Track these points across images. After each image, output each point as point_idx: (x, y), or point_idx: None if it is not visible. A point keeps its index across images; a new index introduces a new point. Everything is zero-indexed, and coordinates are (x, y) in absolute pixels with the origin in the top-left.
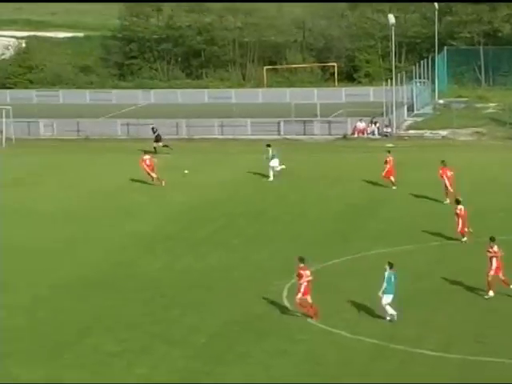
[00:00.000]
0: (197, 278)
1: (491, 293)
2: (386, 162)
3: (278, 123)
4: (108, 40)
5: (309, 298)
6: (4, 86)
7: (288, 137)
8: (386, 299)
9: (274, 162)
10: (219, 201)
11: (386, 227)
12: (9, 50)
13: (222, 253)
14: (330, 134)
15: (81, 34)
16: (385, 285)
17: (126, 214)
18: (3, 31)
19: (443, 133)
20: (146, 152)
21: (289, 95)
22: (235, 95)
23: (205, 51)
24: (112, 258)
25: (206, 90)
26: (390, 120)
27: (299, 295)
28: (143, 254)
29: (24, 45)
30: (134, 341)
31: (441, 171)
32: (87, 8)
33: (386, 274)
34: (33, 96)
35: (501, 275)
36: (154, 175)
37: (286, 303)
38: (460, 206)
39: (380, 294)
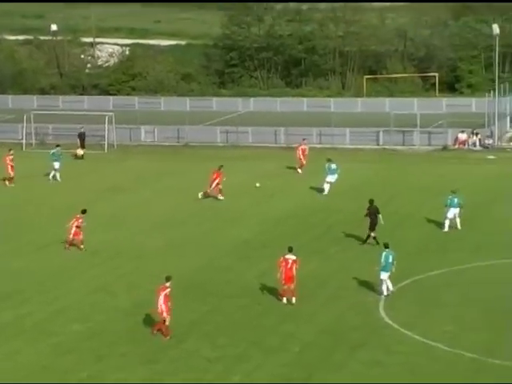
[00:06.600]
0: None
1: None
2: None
3: (377, 133)
4: (209, 48)
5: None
6: (107, 93)
7: (387, 147)
8: (383, 276)
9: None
10: (316, 209)
11: (485, 239)
12: (113, 57)
13: (318, 261)
14: (429, 145)
15: (183, 42)
16: (381, 263)
17: (223, 220)
18: (107, 39)
19: None
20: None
21: (388, 105)
22: (334, 104)
23: (305, 60)
24: (210, 263)
25: (305, 99)
26: (491, 131)
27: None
28: (241, 260)
29: (127, 52)
30: (231, 347)
31: None
32: (190, 16)
33: (384, 253)
34: (135, 103)
35: None
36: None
37: (383, 314)
38: None
39: (379, 270)
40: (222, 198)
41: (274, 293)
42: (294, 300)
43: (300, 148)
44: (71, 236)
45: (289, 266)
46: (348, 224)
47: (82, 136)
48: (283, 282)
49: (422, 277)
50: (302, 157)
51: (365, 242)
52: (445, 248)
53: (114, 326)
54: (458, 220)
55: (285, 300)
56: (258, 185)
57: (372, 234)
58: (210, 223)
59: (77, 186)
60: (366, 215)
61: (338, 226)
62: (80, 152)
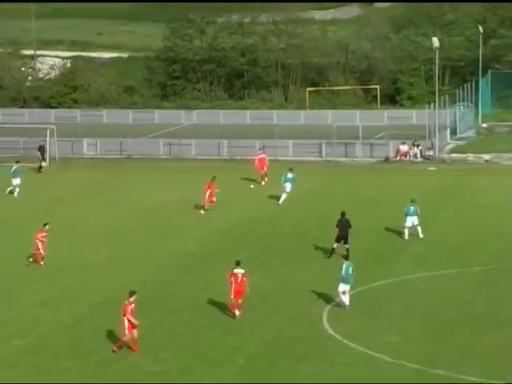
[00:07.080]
0: None
1: None
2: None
3: (320, 145)
4: (152, 61)
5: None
6: (49, 106)
7: (329, 159)
8: (343, 288)
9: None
10: (261, 221)
11: (428, 250)
12: (54, 69)
13: (262, 273)
14: (371, 157)
15: (125, 55)
16: (342, 274)
17: (167, 232)
18: (49, 51)
19: (486, 157)
20: None
21: (331, 117)
22: (277, 116)
23: (247, 72)
24: (153, 276)
25: (247, 111)
26: (432, 143)
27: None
28: (184, 273)
29: (69, 65)
30: (174, 361)
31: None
32: (132, 29)
33: (344, 265)
34: (77, 115)
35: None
36: None
37: (327, 326)
38: None
39: (339, 281)
40: (207, 208)
41: (219, 306)
42: (238, 315)
43: (257, 159)
44: (42, 250)
45: (238, 280)
46: (291, 236)
47: (41, 149)
48: (232, 295)
49: (365, 288)
50: (261, 167)
51: (346, 257)
52: (388, 259)
53: (56, 340)
54: (418, 228)
55: (237, 312)
56: (252, 186)
57: (334, 246)
58: (153, 236)
59: (18, 200)
60: (337, 226)
61: (282, 238)
62: (43, 164)
